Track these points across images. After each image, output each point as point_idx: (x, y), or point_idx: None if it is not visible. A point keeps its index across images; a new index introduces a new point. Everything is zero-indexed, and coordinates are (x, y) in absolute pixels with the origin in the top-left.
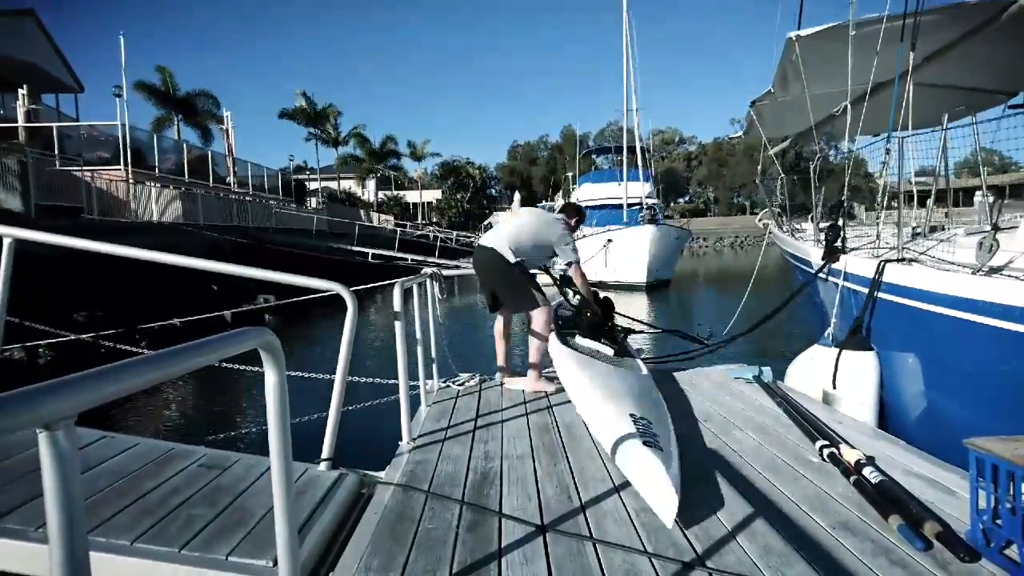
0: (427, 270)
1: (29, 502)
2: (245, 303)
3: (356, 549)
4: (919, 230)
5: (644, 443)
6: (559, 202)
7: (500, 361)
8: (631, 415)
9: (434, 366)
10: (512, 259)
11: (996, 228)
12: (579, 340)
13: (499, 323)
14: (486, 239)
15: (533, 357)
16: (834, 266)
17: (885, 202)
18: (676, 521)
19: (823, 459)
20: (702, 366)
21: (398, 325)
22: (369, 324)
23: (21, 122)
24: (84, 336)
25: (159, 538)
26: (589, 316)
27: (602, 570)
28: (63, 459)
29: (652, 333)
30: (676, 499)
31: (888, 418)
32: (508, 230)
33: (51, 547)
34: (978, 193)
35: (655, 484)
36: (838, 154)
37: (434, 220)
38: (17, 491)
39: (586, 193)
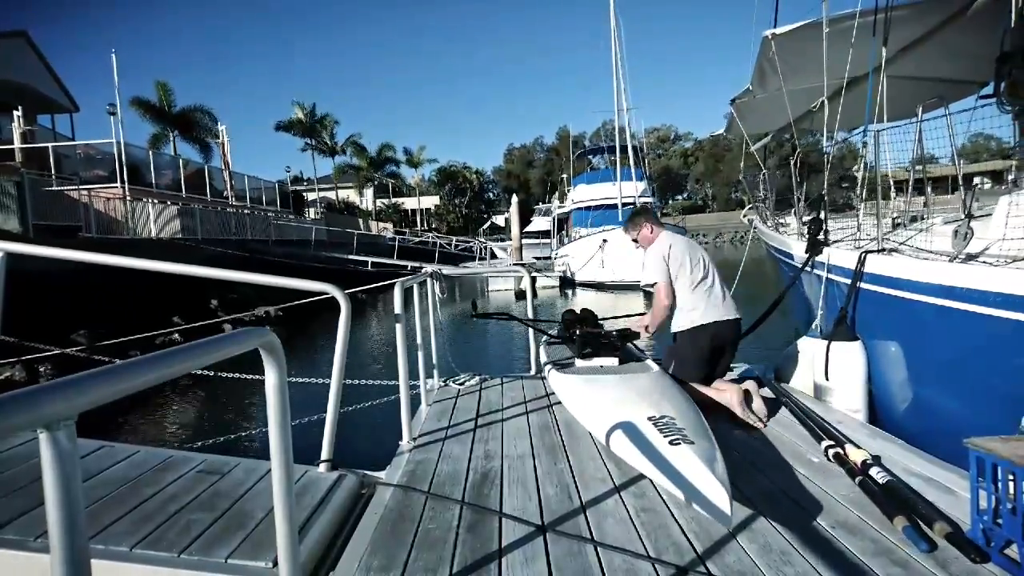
0: (428, 269)
1: (28, 513)
2: (244, 316)
3: (356, 549)
4: (899, 220)
5: (671, 442)
6: (555, 203)
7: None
8: (649, 418)
9: (435, 366)
10: None
11: (970, 216)
12: (578, 364)
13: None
14: (724, 308)
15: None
16: (818, 259)
17: (865, 194)
18: (729, 516)
19: (828, 459)
20: None
21: (398, 325)
22: (370, 326)
23: (17, 143)
24: (78, 349)
25: (158, 544)
26: (577, 335)
27: (602, 570)
28: (64, 459)
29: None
30: (726, 490)
31: (876, 406)
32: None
33: (52, 548)
34: (976, 179)
35: (696, 480)
36: (831, 144)
37: (433, 226)
38: (15, 503)
39: (581, 194)
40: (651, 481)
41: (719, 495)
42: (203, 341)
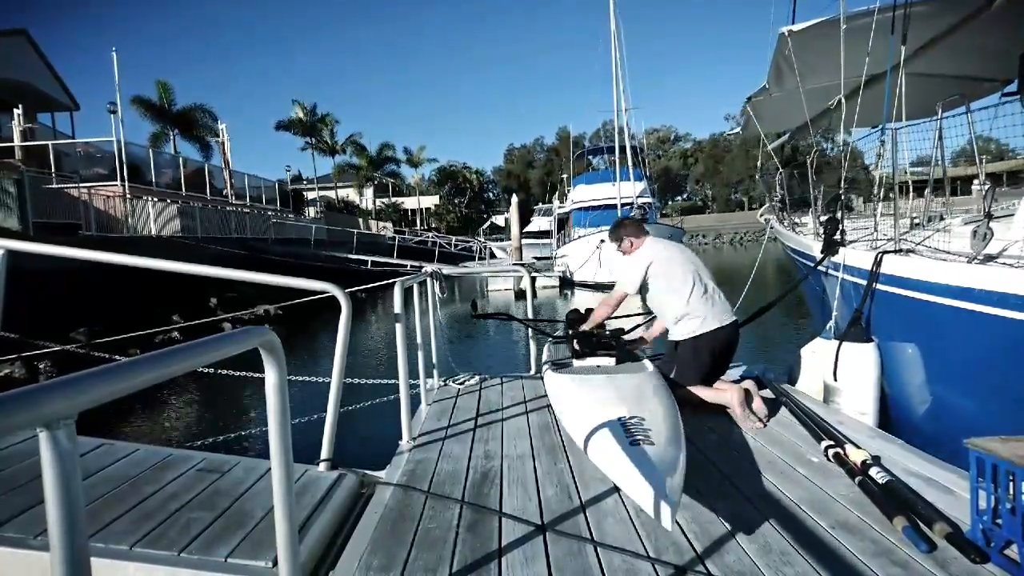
0: (427, 268)
1: (28, 511)
2: (244, 315)
3: (356, 549)
4: (917, 221)
5: (631, 442)
6: (556, 204)
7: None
8: (619, 418)
9: (434, 366)
10: None
11: (990, 216)
12: (576, 364)
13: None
14: (722, 313)
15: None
16: (834, 259)
17: (882, 194)
18: (676, 521)
19: (828, 459)
20: None
21: (398, 324)
22: (370, 326)
23: (17, 141)
24: (77, 346)
25: (158, 542)
26: (571, 335)
27: (602, 570)
28: (64, 458)
29: (647, 322)
30: (666, 493)
31: (889, 408)
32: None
33: (52, 547)
34: (976, 182)
35: (641, 481)
36: (834, 147)
37: (432, 226)
38: (15, 500)
39: (580, 194)
40: None
41: (656, 497)
42: (203, 340)
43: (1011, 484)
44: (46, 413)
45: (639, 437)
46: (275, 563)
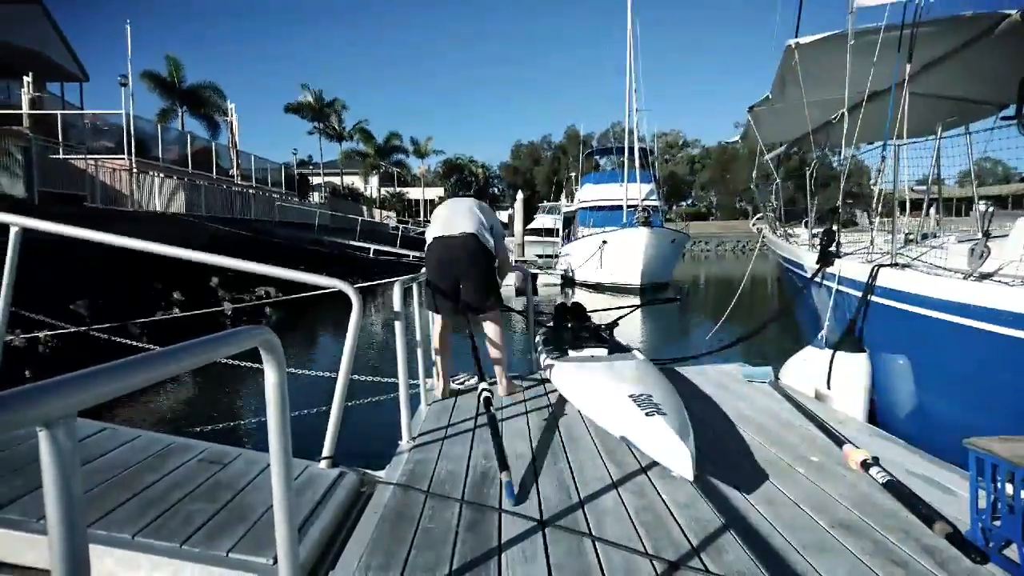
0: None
1: (30, 493)
2: (244, 295)
3: (356, 548)
4: (912, 237)
5: (647, 414)
6: (563, 202)
7: (443, 373)
8: (629, 395)
9: (434, 365)
10: (491, 249)
11: (987, 235)
12: (572, 354)
13: (440, 327)
14: (454, 224)
15: (504, 361)
16: (828, 270)
17: (880, 208)
18: (693, 484)
19: (828, 459)
20: (710, 364)
21: (398, 324)
22: (369, 321)
23: (26, 109)
24: (81, 328)
25: (160, 532)
26: (569, 327)
27: (601, 568)
28: (63, 457)
29: (627, 314)
30: (688, 451)
31: (879, 418)
32: (473, 215)
33: (51, 544)
34: (981, 203)
35: (664, 444)
36: (839, 161)
37: None
38: (18, 482)
39: (587, 194)
40: (648, 478)
41: (683, 455)
42: (203, 340)
43: (1010, 484)
44: (46, 412)
45: (651, 410)
46: (276, 560)
